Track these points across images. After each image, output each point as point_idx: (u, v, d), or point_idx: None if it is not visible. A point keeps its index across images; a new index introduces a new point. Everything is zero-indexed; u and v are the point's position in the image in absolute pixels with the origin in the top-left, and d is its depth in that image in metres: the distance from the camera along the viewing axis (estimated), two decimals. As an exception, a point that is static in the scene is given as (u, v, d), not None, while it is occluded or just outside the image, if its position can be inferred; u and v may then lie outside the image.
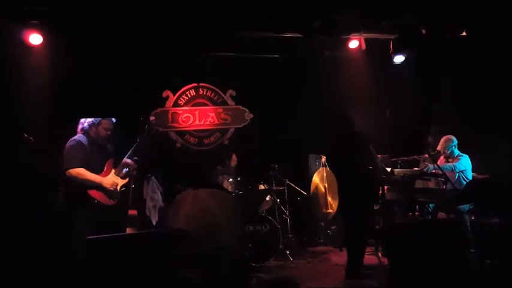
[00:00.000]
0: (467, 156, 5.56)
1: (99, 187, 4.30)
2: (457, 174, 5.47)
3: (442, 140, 5.70)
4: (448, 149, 5.61)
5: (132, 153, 4.59)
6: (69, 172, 4.23)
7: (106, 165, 4.43)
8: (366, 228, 4.83)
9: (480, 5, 5.35)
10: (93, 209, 4.24)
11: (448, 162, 5.62)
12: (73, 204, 4.25)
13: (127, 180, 4.55)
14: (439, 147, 5.69)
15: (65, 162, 4.26)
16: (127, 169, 4.53)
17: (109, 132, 4.46)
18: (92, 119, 4.44)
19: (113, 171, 4.45)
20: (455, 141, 5.62)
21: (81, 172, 4.24)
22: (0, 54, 5.16)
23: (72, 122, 5.37)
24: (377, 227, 6.03)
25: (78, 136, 4.41)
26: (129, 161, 4.53)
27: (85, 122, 4.44)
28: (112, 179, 4.38)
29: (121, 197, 4.48)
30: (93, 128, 4.41)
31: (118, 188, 4.42)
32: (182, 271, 2.84)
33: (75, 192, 4.23)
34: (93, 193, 4.27)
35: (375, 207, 5.86)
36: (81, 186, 4.24)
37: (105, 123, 4.45)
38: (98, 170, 4.36)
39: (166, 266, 2.92)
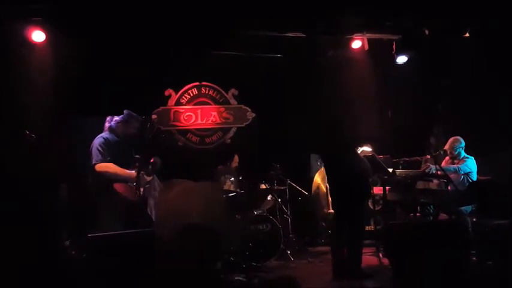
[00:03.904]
0: (473, 158, 5.54)
1: (126, 181, 4.34)
2: (462, 176, 5.46)
3: (450, 140, 5.66)
4: (456, 150, 5.58)
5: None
6: (99, 166, 4.27)
7: (133, 162, 4.45)
8: (358, 229, 4.80)
9: (483, 5, 5.33)
10: (120, 204, 4.26)
11: (454, 163, 5.59)
12: (101, 200, 4.28)
13: (151, 177, 4.60)
14: (446, 147, 5.65)
15: (93, 157, 4.30)
16: (152, 167, 4.57)
17: (136, 130, 4.55)
18: (119, 117, 4.52)
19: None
20: (463, 143, 5.59)
21: (111, 166, 4.29)
22: (3, 51, 5.17)
23: (74, 119, 5.39)
24: (378, 227, 6.04)
25: (105, 133, 4.47)
26: (157, 159, 4.57)
27: (112, 120, 4.51)
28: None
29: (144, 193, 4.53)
30: (121, 126, 4.49)
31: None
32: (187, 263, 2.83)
33: (101, 187, 4.27)
34: (119, 187, 4.31)
35: (377, 208, 5.88)
36: (108, 181, 4.28)
37: (134, 121, 4.55)
38: (124, 167, 4.40)
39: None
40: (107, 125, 4.53)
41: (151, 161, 4.55)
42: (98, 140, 4.38)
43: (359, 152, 5.12)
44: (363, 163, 4.83)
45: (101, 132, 4.58)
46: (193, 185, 3.10)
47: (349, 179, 4.67)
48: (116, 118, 4.51)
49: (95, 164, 4.28)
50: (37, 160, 4.72)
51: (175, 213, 2.80)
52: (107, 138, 4.41)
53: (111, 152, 4.34)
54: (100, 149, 4.31)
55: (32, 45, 5.39)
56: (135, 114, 4.60)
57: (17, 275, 4.02)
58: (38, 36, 5.36)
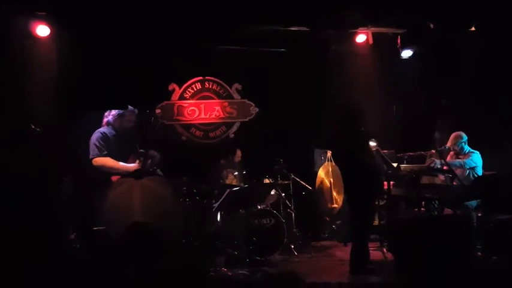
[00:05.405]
0: (478, 152, 5.50)
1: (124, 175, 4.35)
2: (467, 170, 5.43)
3: (452, 136, 5.63)
4: (458, 145, 5.55)
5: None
6: (95, 161, 4.32)
7: (131, 156, 4.49)
8: (367, 225, 4.79)
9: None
10: None
11: (459, 158, 5.56)
12: (100, 193, 4.29)
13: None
14: (448, 144, 5.63)
15: (90, 151, 4.36)
16: (150, 160, 4.57)
17: (132, 123, 4.58)
18: (116, 111, 4.55)
19: (137, 161, 4.48)
20: (465, 138, 5.56)
21: (107, 160, 4.33)
22: (7, 46, 5.17)
23: (78, 113, 5.40)
24: (382, 222, 6.02)
25: (103, 128, 4.52)
26: (154, 152, 4.58)
27: (109, 115, 4.56)
28: (137, 167, 4.43)
29: None
30: (117, 120, 4.53)
31: None
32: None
33: (100, 181, 4.28)
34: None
35: (381, 203, 5.86)
36: (106, 175, 4.31)
37: (129, 114, 4.57)
38: (123, 161, 4.43)
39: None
40: (105, 120, 4.58)
41: (148, 153, 4.56)
42: (95, 135, 4.44)
43: None
44: (377, 159, 4.83)
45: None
46: (136, 181, 3.09)
47: (366, 175, 4.64)
48: (113, 112, 4.55)
49: (92, 158, 4.34)
50: (42, 154, 4.74)
51: (119, 211, 2.78)
52: (104, 132, 4.46)
53: (108, 146, 4.38)
54: (97, 143, 4.36)
55: (37, 39, 5.40)
56: (130, 107, 4.62)
57: (23, 269, 4.04)
58: (42, 30, 5.37)
